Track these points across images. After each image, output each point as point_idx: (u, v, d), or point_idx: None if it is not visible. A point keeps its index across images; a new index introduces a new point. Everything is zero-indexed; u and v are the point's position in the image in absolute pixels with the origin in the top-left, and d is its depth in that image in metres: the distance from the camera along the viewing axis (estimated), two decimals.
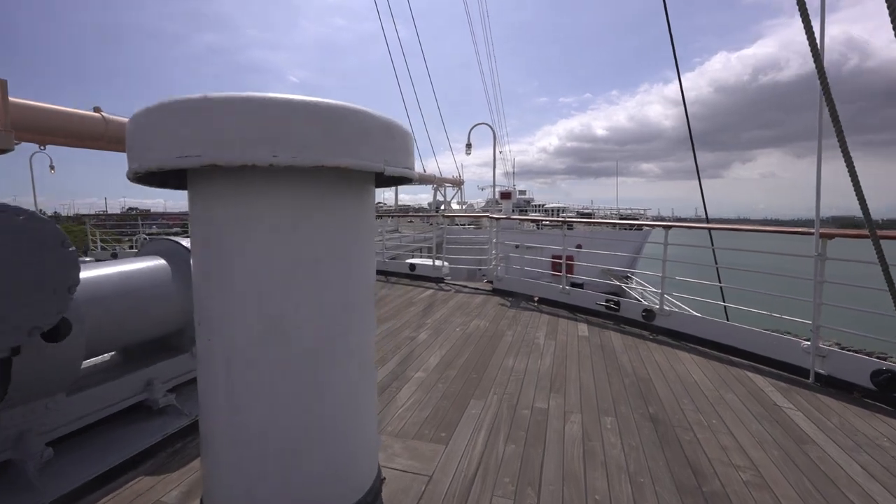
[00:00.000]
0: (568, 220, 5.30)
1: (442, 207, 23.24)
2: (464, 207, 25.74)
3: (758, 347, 3.68)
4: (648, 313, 4.57)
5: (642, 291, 11.54)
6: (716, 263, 5.48)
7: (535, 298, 5.85)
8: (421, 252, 12.05)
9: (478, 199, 38.65)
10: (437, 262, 7.62)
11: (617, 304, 4.91)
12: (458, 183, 24.68)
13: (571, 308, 5.42)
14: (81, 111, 6.59)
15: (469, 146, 9.20)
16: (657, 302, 4.66)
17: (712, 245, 5.49)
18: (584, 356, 3.85)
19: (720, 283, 5.35)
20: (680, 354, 3.92)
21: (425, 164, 20.16)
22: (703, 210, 6.49)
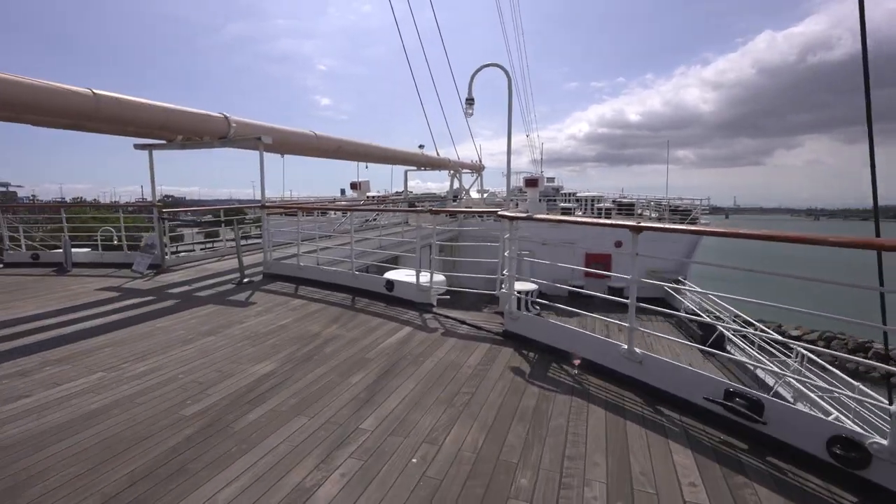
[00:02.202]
0: (644, 226, 2.72)
1: (462, 195, 20.70)
2: (484, 196, 23.06)
3: None
4: (849, 449, 1.99)
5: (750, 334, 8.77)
6: None
7: (576, 361, 3.32)
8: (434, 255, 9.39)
9: (501, 188, 35.75)
10: (424, 279, 5.17)
11: (755, 406, 2.33)
12: (477, 169, 21.98)
13: (647, 392, 2.87)
14: (66, 86, 4.71)
15: (471, 101, 6.55)
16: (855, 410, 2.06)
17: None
18: None
19: None
20: None
21: (445, 151, 17.71)
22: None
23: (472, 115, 6.47)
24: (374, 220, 13.24)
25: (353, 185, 18.73)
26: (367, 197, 20.20)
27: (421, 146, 18.26)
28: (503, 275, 4.15)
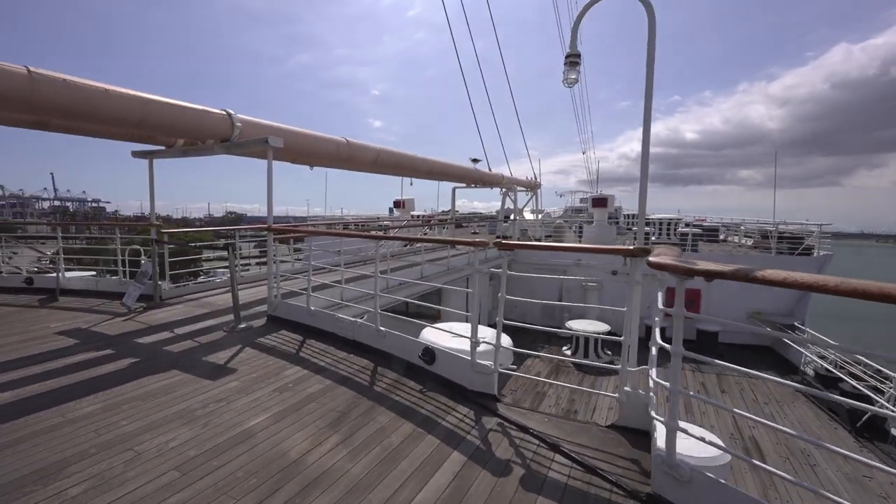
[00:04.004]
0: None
1: (512, 217, 18.69)
2: (540, 216, 20.88)
3: None
4: None
5: None
6: None
7: None
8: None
9: (553, 208, 33.17)
10: (485, 349, 3.24)
11: None
12: (532, 187, 19.92)
13: None
14: None
15: (575, 61, 4.51)
16: None
17: None
18: None
19: None
20: None
21: (497, 169, 16.15)
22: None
23: (576, 81, 4.52)
24: (417, 247, 11.59)
25: (397, 204, 17.35)
26: (412, 216, 18.75)
27: (476, 160, 16.61)
28: (640, 371, 2.15)
